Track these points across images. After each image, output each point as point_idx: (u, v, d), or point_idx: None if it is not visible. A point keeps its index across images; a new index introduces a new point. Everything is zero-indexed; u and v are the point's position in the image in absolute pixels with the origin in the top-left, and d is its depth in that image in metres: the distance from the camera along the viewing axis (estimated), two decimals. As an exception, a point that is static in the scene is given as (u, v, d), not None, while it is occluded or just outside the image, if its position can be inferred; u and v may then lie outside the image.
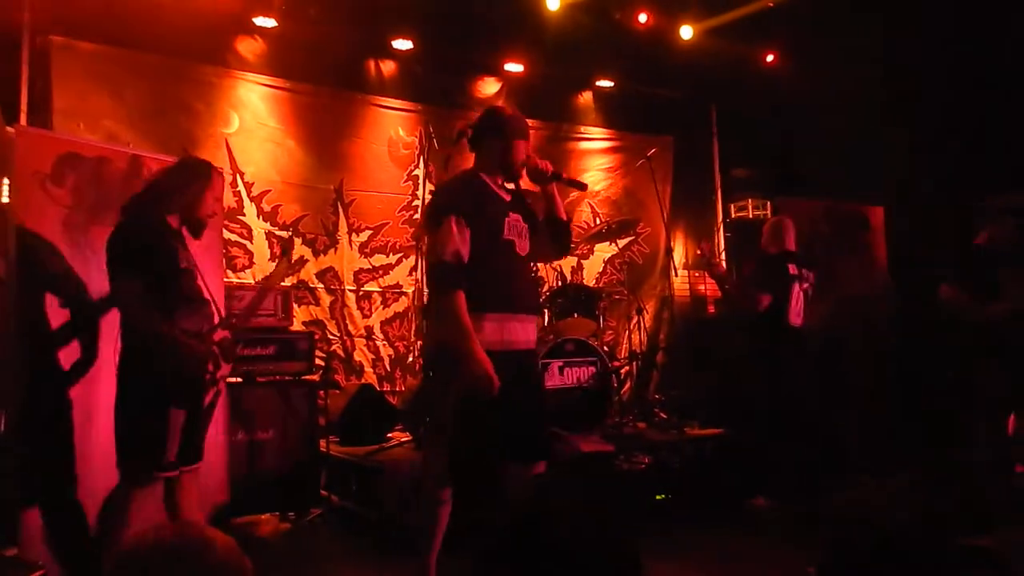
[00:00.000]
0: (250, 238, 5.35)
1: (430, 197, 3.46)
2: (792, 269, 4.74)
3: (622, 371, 5.49)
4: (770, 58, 6.74)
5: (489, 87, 6.53)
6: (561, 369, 4.78)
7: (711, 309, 6.32)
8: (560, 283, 5.68)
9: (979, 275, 4.44)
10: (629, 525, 1.30)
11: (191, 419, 2.89)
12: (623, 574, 1.29)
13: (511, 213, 2.99)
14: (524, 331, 2.93)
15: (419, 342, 5.18)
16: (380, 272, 5.86)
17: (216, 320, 3.04)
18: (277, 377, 4.39)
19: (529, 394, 2.92)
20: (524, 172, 3.10)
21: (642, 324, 5.85)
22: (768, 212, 6.58)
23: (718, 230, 7.17)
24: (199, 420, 2.97)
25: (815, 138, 6.52)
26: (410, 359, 5.66)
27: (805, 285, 4.73)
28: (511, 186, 3.12)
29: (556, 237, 3.15)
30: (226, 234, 4.99)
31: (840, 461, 4.81)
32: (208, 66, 5.28)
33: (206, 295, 3.04)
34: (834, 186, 6.36)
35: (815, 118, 6.54)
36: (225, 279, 4.70)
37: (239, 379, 4.23)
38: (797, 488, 4.50)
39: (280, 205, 5.51)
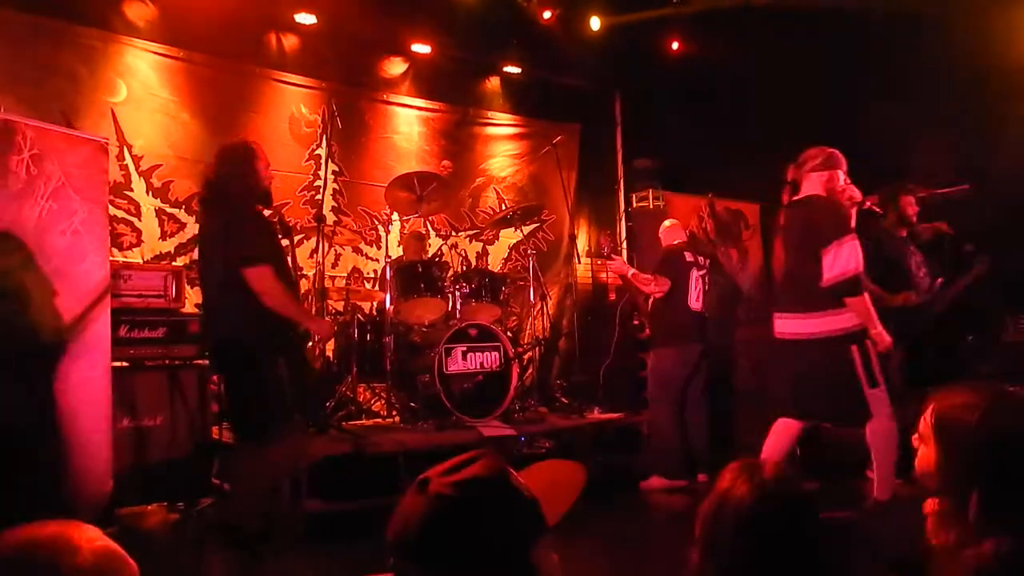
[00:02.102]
0: (138, 215, 5.08)
1: None
2: (688, 257, 4.92)
3: (525, 356, 5.53)
4: (675, 45, 6.89)
5: (395, 67, 6.42)
6: (464, 354, 4.77)
7: (612, 296, 6.45)
8: (464, 268, 5.66)
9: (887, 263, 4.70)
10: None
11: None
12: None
13: None
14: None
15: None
16: (293, 250, 5.66)
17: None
18: (166, 361, 4.18)
19: None
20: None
21: (545, 310, 5.91)
22: (665, 204, 6.77)
23: (620, 219, 7.32)
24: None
25: (709, 132, 6.75)
26: (309, 343, 5.51)
27: (702, 271, 4.92)
28: None
29: None
30: (111, 210, 4.69)
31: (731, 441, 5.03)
32: (90, 28, 4.94)
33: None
34: (721, 181, 6.63)
35: (711, 113, 6.77)
36: (111, 257, 4.43)
37: (125, 363, 4.01)
38: (692, 470, 4.68)
39: (172, 181, 5.25)
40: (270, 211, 5.45)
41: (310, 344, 4.67)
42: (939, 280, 4.78)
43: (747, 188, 6.56)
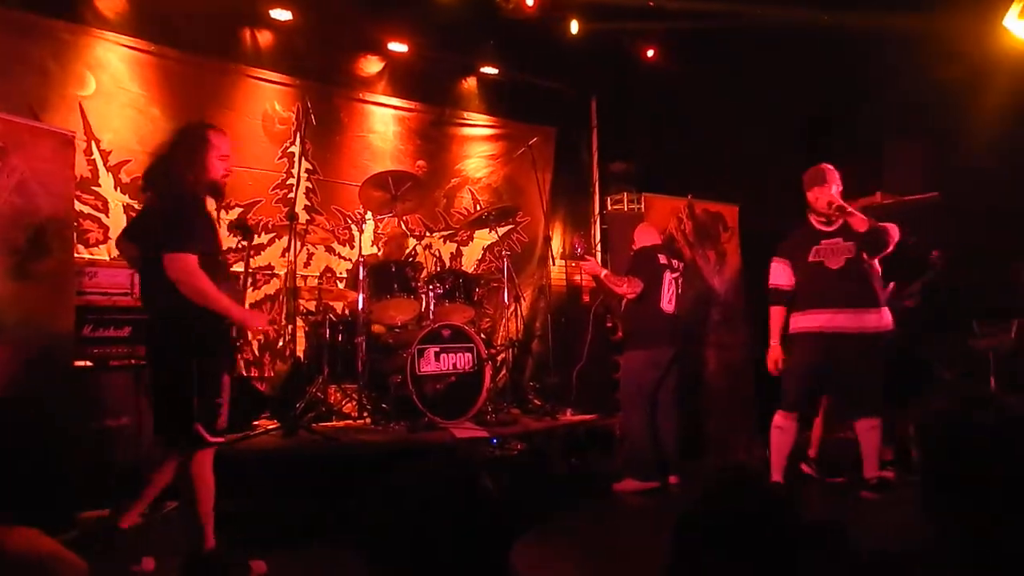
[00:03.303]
0: (106, 211, 4.98)
1: None
2: (662, 259, 4.94)
3: (498, 358, 5.52)
4: (651, 53, 6.93)
5: (371, 66, 6.37)
6: (437, 355, 4.74)
7: (586, 298, 6.46)
8: (438, 268, 5.64)
9: None
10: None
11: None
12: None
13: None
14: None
15: (290, 326, 5.00)
16: (252, 252, 5.59)
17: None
18: (132, 361, 4.11)
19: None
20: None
21: (519, 312, 5.90)
22: (642, 206, 6.79)
23: (595, 222, 7.34)
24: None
25: (684, 135, 6.81)
26: (280, 344, 5.46)
27: (676, 274, 4.94)
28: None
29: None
30: (78, 205, 4.61)
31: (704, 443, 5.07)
32: (59, 21, 4.84)
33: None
34: (698, 183, 6.68)
35: (686, 116, 6.82)
36: (76, 254, 4.35)
37: (88, 363, 3.94)
38: (663, 469, 4.70)
39: (141, 176, 5.14)
40: (241, 212, 5.43)
41: (252, 338, 4.61)
42: (891, 285, 4.95)
43: (726, 190, 6.61)
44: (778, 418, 4.42)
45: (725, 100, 6.75)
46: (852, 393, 4.37)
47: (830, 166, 4.48)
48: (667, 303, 4.86)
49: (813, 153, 7.43)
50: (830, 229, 4.40)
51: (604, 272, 5.05)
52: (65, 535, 3.14)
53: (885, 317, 4.32)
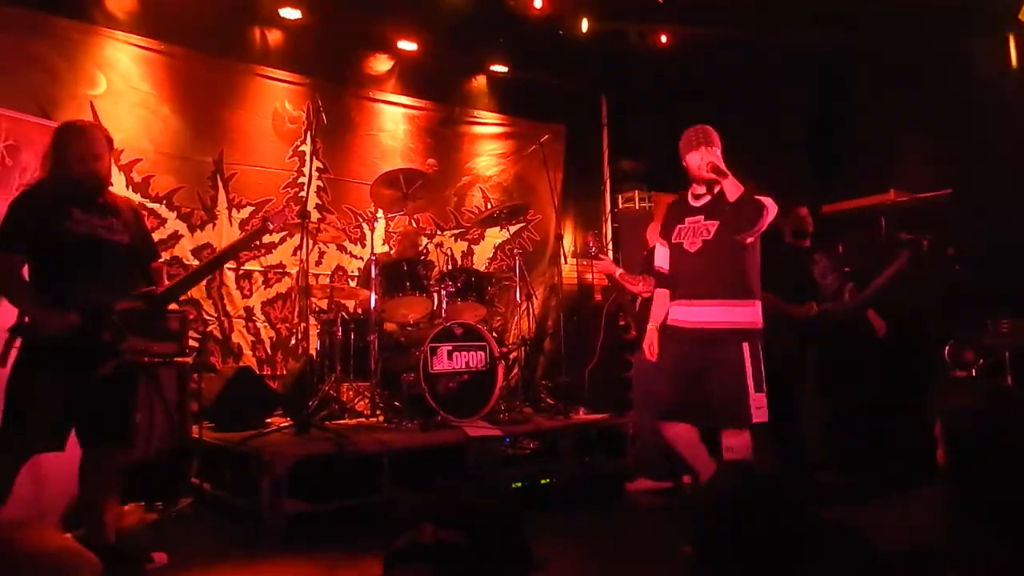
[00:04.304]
0: (117, 210, 4.97)
1: None
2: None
3: (511, 356, 5.49)
4: (661, 50, 6.89)
5: (381, 64, 6.37)
6: (450, 353, 4.72)
7: (598, 297, 6.43)
8: (450, 267, 5.61)
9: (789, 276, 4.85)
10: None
11: (81, 393, 2.83)
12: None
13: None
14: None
15: (303, 324, 4.99)
16: (263, 251, 5.60)
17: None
18: (145, 359, 4.08)
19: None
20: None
21: (531, 310, 5.88)
22: (653, 204, 6.76)
23: (606, 220, 7.30)
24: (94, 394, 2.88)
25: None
26: (292, 342, 5.45)
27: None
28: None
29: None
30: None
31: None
32: (69, 20, 4.85)
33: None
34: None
35: (696, 113, 6.78)
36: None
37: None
38: (677, 471, 4.65)
39: (152, 176, 5.16)
40: (252, 211, 5.41)
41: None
42: (849, 284, 4.90)
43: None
44: (663, 428, 3.70)
45: (735, 97, 6.72)
46: (717, 402, 3.52)
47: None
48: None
49: (823, 149, 7.46)
50: (697, 204, 3.70)
51: (619, 271, 5.02)
52: (76, 532, 3.13)
53: (750, 313, 3.54)
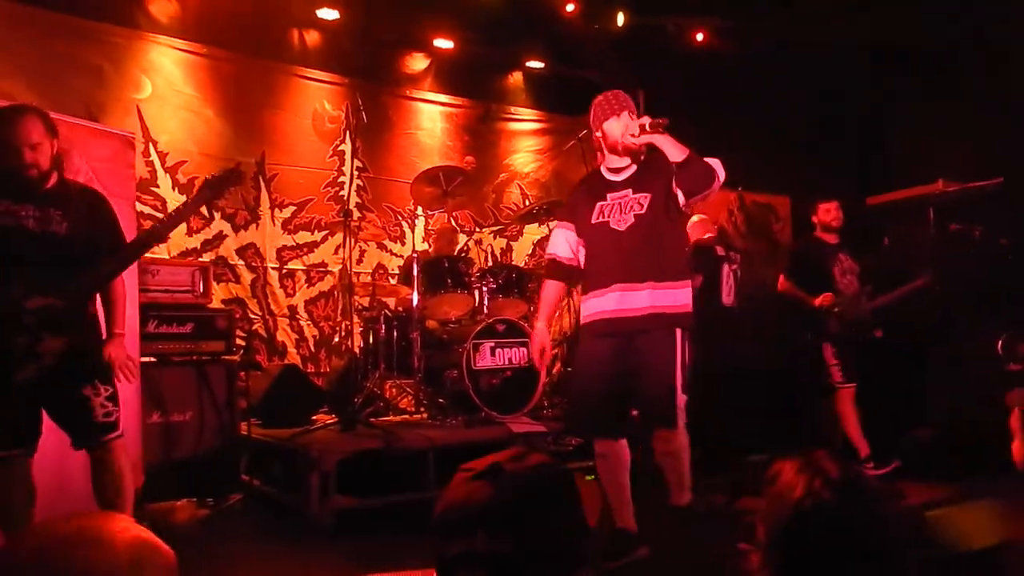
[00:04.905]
0: (164, 211, 5.05)
1: None
2: (719, 251, 4.86)
3: (553, 352, 5.47)
4: (698, 43, 6.82)
5: (418, 63, 6.39)
6: (492, 350, 4.71)
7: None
8: (490, 263, 5.62)
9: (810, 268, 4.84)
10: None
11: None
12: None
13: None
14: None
15: (345, 322, 5.02)
16: (304, 250, 5.66)
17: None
18: (194, 357, 4.16)
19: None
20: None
21: (572, 306, 5.84)
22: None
23: (644, 215, 7.24)
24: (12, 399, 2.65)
25: (732, 126, 6.69)
26: (336, 339, 5.49)
27: (734, 266, 4.85)
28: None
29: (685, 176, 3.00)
30: (138, 206, 4.69)
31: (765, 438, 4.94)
32: (115, 26, 4.95)
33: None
34: (748, 174, 6.57)
35: (734, 106, 6.71)
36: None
37: (153, 359, 4.00)
38: (725, 466, 4.59)
39: (196, 177, 5.21)
40: (294, 211, 5.44)
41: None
42: (867, 288, 4.83)
43: (777, 181, 6.48)
44: (596, 446, 3.19)
45: (774, 89, 6.62)
46: (645, 400, 3.10)
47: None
48: (727, 296, 4.78)
49: (868, 140, 7.32)
50: (618, 178, 3.19)
51: None
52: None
53: (684, 295, 3.12)
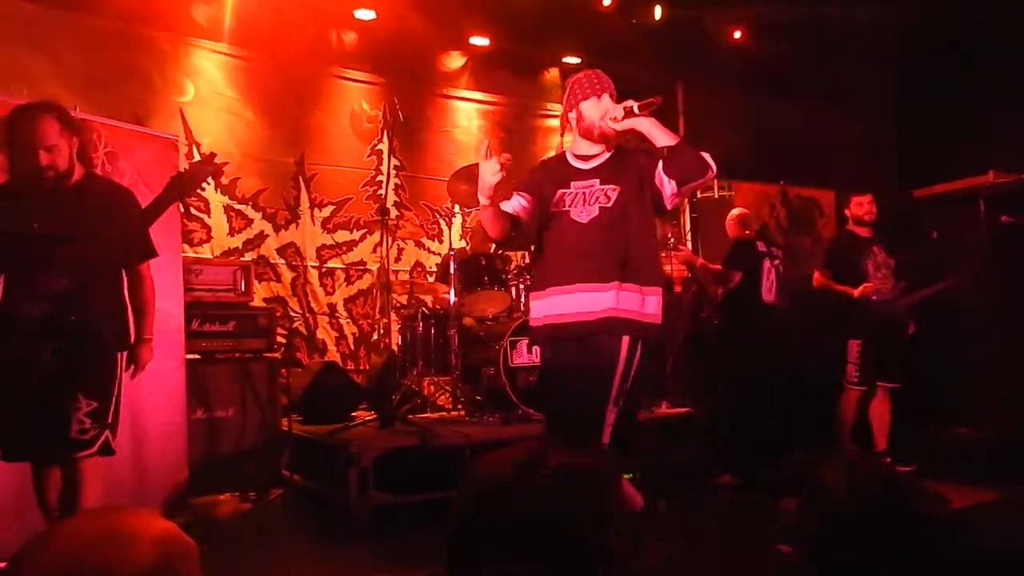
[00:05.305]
0: (208, 212, 5.17)
1: None
2: (761, 246, 4.78)
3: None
4: (737, 35, 6.73)
5: (454, 61, 6.41)
6: (529, 347, 4.71)
7: (678, 288, 6.31)
8: (527, 260, 5.60)
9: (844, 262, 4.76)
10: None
11: None
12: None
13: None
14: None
15: (384, 320, 5.07)
16: (343, 248, 5.73)
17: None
18: (237, 354, 4.25)
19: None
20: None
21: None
22: (732, 193, 6.60)
23: (684, 211, 7.16)
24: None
25: (774, 119, 6.59)
26: (374, 337, 5.55)
27: (775, 262, 4.77)
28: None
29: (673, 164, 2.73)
30: (182, 207, 4.80)
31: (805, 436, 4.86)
32: (159, 32, 5.06)
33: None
34: (791, 168, 6.46)
35: (775, 99, 6.60)
36: (182, 253, 4.53)
37: (197, 356, 4.09)
38: (764, 465, 4.52)
39: (239, 178, 5.33)
40: (333, 210, 5.50)
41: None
42: (900, 284, 4.74)
43: (821, 175, 6.35)
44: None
45: (816, 81, 6.49)
46: (570, 407, 2.79)
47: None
48: (767, 292, 4.70)
49: (915, 131, 7.12)
50: (586, 166, 2.89)
51: (699, 260, 4.92)
52: (178, 519, 3.27)
53: (652, 303, 2.80)
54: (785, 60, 6.59)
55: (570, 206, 2.82)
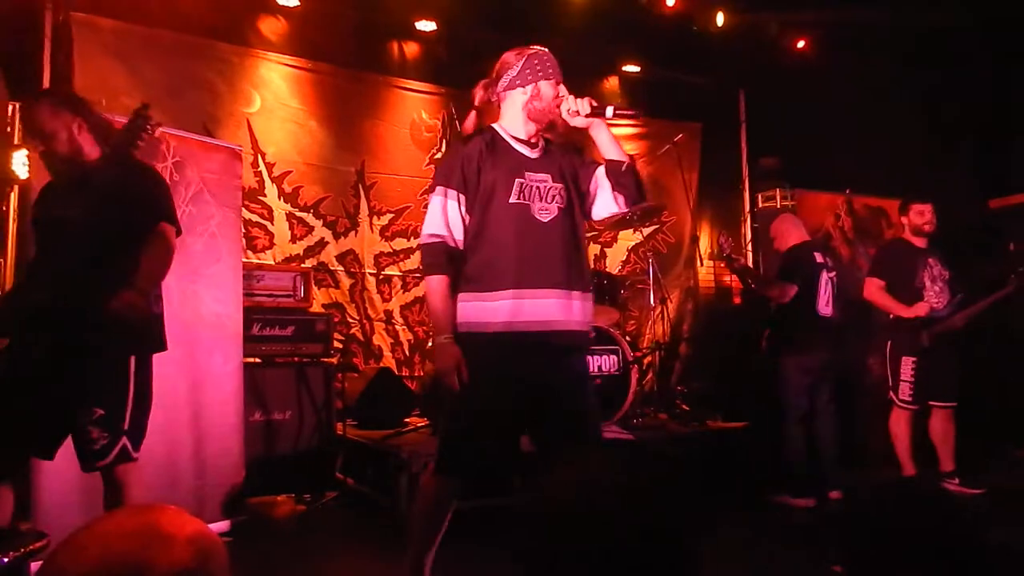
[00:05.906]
0: (271, 219, 5.32)
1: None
2: (818, 257, 4.63)
3: (644, 361, 5.39)
4: (801, 42, 6.59)
5: (513, 70, 6.43)
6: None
7: (737, 300, 6.19)
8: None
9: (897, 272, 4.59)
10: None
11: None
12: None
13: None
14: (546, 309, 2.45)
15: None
16: (400, 256, 5.81)
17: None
18: (295, 358, 4.36)
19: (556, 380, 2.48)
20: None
21: (665, 314, 5.74)
22: (795, 202, 6.44)
23: (744, 220, 7.03)
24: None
25: (839, 127, 6.41)
26: (429, 344, 5.59)
27: (832, 273, 4.61)
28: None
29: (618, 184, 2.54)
30: (246, 214, 4.97)
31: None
32: (229, 44, 5.24)
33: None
34: (856, 177, 6.27)
35: (840, 107, 6.42)
36: (246, 259, 4.68)
37: (256, 360, 4.21)
38: (822, 483, 4.39)
39: (301, 186, 5.47)
40: (392, 219, 5.58)
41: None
42: (956, 298, 4.52)
43: (888, 184, 6.15)
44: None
45: (883, 88, 6.29)
46: (563, 427, 2.49)
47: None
48: (824, 305, 4.54)
49: (989, 138, 6.83)
50: (532, 155, 2.59)
51: (755, 274, 4.79)
52: (236, 518, 3.36)
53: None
54: (850, 65, 6.41)
55: (531, 200, 2.50)
